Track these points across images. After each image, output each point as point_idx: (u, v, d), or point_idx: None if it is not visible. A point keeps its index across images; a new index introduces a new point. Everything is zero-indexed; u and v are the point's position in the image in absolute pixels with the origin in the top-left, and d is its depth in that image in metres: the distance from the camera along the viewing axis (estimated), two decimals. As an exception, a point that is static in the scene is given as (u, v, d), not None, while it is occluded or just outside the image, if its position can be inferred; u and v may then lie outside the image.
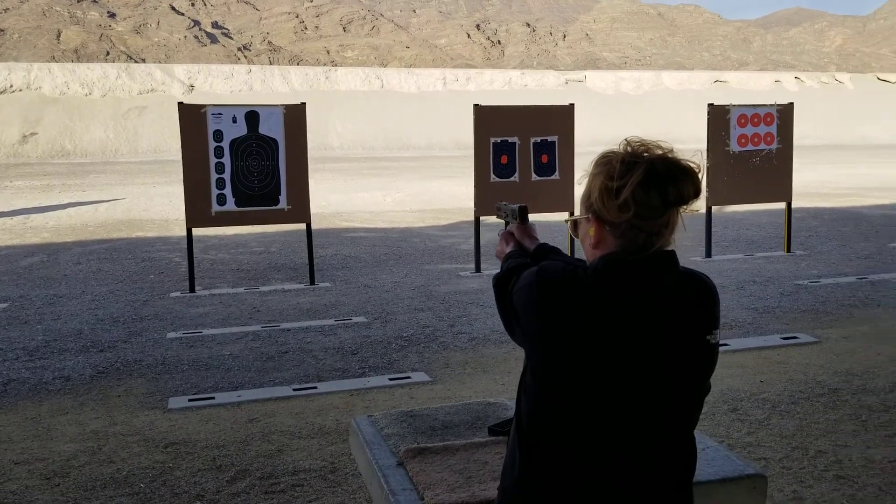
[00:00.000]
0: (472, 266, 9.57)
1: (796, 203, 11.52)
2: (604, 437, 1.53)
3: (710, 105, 10.41)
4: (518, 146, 9.26)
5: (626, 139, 1.59)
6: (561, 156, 9.47)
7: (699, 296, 1.57)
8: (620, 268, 1.52)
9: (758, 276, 9.08)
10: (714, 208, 10.73)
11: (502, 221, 2.14)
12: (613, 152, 1.57)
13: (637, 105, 53.67)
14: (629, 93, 56.40)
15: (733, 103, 10.84)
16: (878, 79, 63.15)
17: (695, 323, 1.55)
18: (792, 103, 10.73)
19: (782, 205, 10.71)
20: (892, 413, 4.79)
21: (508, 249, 2.00)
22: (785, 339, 6.49)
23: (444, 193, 18.27)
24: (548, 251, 1.95)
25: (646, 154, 1.53)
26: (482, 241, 9.71)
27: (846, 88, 59.14)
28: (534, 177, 9.44)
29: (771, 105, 10.61)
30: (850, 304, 7.61)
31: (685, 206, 1.54)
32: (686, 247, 11.04)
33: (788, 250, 10.64)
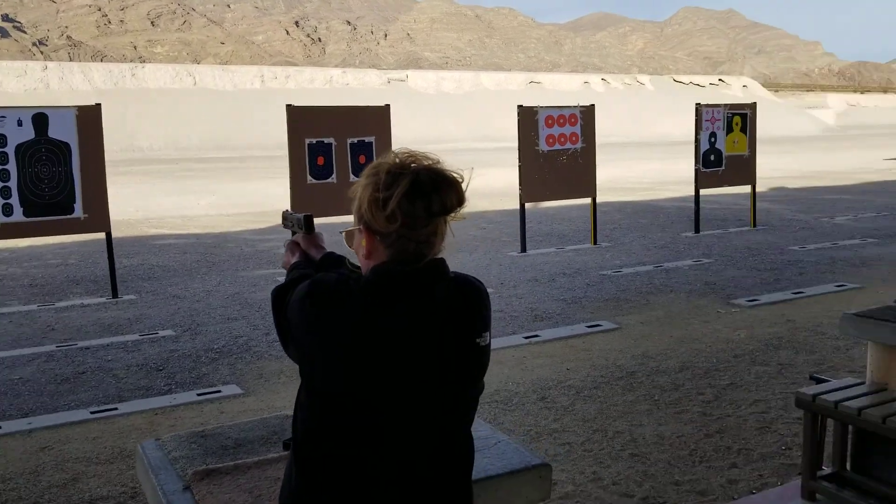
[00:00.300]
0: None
1: (601, 198, 12.25)
2: (381, 446, 1.53)
3: (520, 107, 10.85)
4: (335, 147, 9.16)
5: (393, 151, 1.61)
6: (379, 156, 9.46)
7: (468, 301, 1.61)
8: (391, 278, 1.53)
9: (567, 268, 9.57)
10: (527, 205, 11.19)
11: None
12: (381, 163, 1.58)
13: (457, 105, 55.11)
14: (450, 92, 57.81)
15: (541, 105, 11.36)
16: (674, 80, 68.89)
17: (465, 327, 1.58)
18: (593, 105, 11.41)
19: (588, 200, 11.37)
20: (681, 391, 5.19)
21: (294, 260, 1.96)
22: (590, 327, 6.88)
23: (263, 195, 17.79)
24: (334, 261, 1.93)
25: (413, 165, 1.55)
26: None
27: (647, 89, 64.02)
28: (352, 177, 9.37)
29: (575, 107, 11.22)
30: (648, 291, 8.19)
31: (451, 215, 1.57)
32: (503, 242, 11.45)
33: (595, 243, 11.31)
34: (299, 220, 2.03)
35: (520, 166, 10.72)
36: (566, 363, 5.88)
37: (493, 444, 2.34)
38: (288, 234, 2.11)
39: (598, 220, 11.55)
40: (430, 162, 1.57)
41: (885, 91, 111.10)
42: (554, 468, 4.06)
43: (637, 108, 56.82)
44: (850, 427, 3.59)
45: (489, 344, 1.66)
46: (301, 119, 9.09)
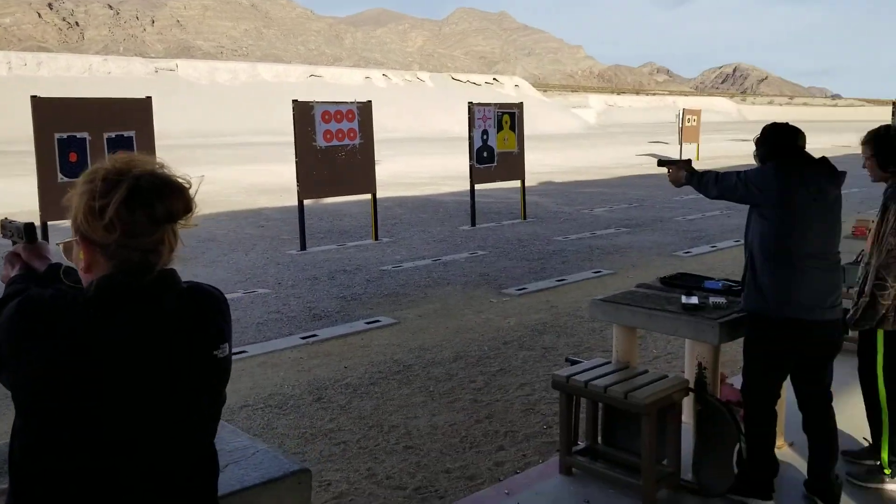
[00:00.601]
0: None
1: (384, 193, 12.43)
2: (105, 458, 1.42)
3: (295, 101, 10.66)
4: (89, 142, 8.45)
5: (112, 156, 1.48)
6: (140, 152, 8.84)
7: (202, 311, 1.52)
8: (113, 288, 1.42)
9: (348, 264, 9.58)
10: (309, 202, 11.05)
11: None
12: (98, 169, 1.46)
13: (233, 96, 53.13)
14: (225, 83, 55.58)
15: (325, 99, 11.24)
16: (453, 78, 71.34)
17: (199, 339, 1.50)
18: (370, 101, 11.49)
19: (368, 196, 11.45)
20: (455, 381, 5.38)
21: (13, 273, 1.77)
22: (368, 323, 6.92)
23: (12, 194, 16.05)
24: (62, 271, 1.75)
25: (133, 170, 1.44)
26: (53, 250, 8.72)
27: (427, 86, 65.72)
28: (112, 175, 8.71)
29: (351, 102, 11.23)
30: (426, 285, 8.41)
31: (180, 223, 1.48)
32: (283, 240, 11.22)
33: (376, 238, 11.42)
34: (19, 229, 1.84)
35: (297, 162, 10.55)
36: (344, 361, 5.88)
37: (252, 454, 2.26)
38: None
39: (379, 215, 11.68)
40: (153, 167, 1.46)
41: (637, 93, 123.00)
42: (329, 468, 4.05)
43: (417, 104, 58.18)
44: (600, 404, 3.92)
45: (229, 355, 1.59)
46: (49, 111, 8.30)
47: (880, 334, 3.64)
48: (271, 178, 19.67)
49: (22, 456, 1.44)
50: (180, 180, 1.47)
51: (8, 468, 1.49)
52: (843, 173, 3.32)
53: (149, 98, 8.99)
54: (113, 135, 8.60)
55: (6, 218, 1.96)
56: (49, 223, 8.50)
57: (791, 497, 3.58)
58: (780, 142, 3.33)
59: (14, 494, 1.45)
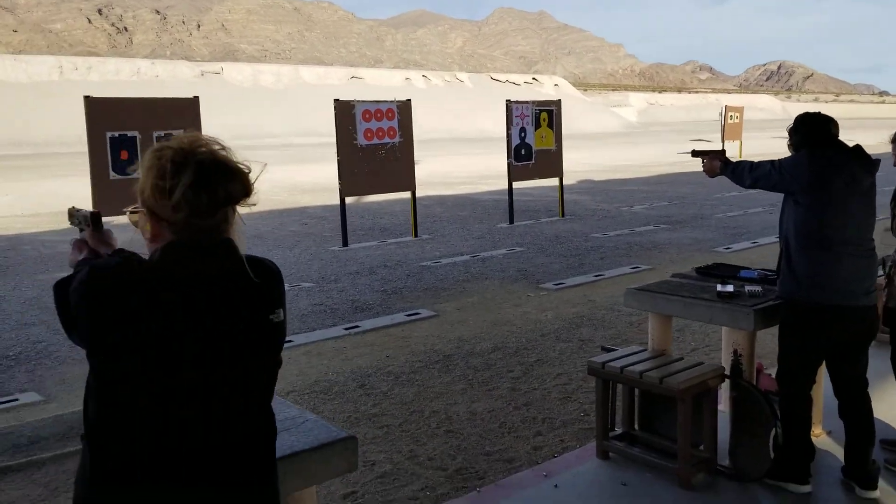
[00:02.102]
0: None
1: (423, 192, 12.56)
2: (181, 423, 1.53)
3: (337, 101, 10.86)
4: (139, 140, 8.74)
5: (181, 136, 1.59)
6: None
7: (261, 277, 1.63)
8: (176, 256, 1.53)
9: (389, 260, 9.73)
10: (350, 200, 11.25)
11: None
12: (165, 148, 1.56)
13: (276, 98, 53.86)
14: (268, 86, 56.37)
15: (358, 99, 11.42)
16: (492, 78, 71.36)
17: (258, 304, 1.61)
18: (409, 100, 11.64)
19: (408, 194, 11.60)
20: (493, 370, 5.49)
21: (80, 258, 1.90)
22: (409, 315, 7.06)
23: (64, 194, 16.55)
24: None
25: (199, 150, 1.55)
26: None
27: (466, 86, 65.83)
28: (162, 172, 8.98)
29: (391, 101, 11.39)
30: (464, 280, 8.53)
31: (238, 205, 1.59)
32: (324, 237, 11.43)
33: (416, 235, 11.57)
34: (86, 217, 1.96)
35: (339, 160, 10.75)
36: (386, 351, 6.02)
37: (301, 422, 2.40)
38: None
39: (419, 213, 11.82)
40: (217, 147, 1.58)
41: (679, 91, 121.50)
42: (373, 449, 4.20)
43: (457, 104, 58.33)
44: (636, 390, 3.99)
45: (284, 321, 1.70)
46: (101, 111, 8.61)
47: None
48: (314, 178, 19.98)
49: (98, 423, 1.54)
50: (241, 165, 1.59)
51: (84, 428, 1.60)
52: (878, 161, 3.35)
53: (196, 97, 9.25)
54: (162, 133, 8.87)
55: (73, 207, 2.09)
56: (103, 218, 8.83)
57: (828, 482, 3.61)
58: (813, 130, 3.37)
59: (94, 460, 1.54)
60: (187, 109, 9.11)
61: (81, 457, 1.61)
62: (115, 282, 1.49)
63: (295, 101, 54.01)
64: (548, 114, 13.06)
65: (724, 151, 3.81)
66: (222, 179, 1.53)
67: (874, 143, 31.94)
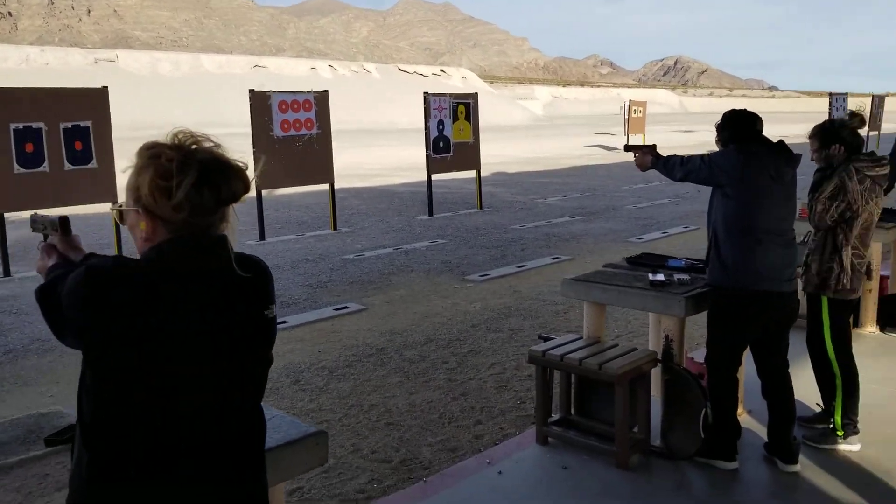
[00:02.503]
0: (0, 270, 8.42)
1: (338, 184, 12.42)
2: (179, 421, 1.52)
3: (252, 91, 10.64)
4: (45, 132, 8.34)
5: (174, 133, 1.57)
6: (97, 142, 8.79)
7: (254, 274, 1.64)
8: (174, 254, 1.52)
9: (310, 254, 9.64)
10: (264, 192, 11.05)
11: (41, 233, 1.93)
12: (161, 146, 1.54)
13: (177, 88, 52.13)
14: (167, 75, 54.46)
15: (273, 89, 11.22)
16: (400, 69, 71.16)
17: (253, 300, 1.62)
18: (327, 91, 11.52)
19: (326, 186, 11.50)
20: (427, 362, 5.55)
21: (51, 263, 1.84)
22: (337, 309, 7.03)
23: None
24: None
25: (196, 150, 1.54)
26: (9, 242, 8.60)
27: (374, 77, 65.39)
28: (67, 166, 8.61)
29: (308, 92, 11.25)
30: (389, 272, 8.55)
31: (238, 202, 1.60)
32: (240, 231, 11.18)
33: (335, 228, 11.48)
34: (53, 223, 1.90)
35: (254, 152, 10.54)
36: (317, 345, 5.99)
37: (269, 418, 2.39)
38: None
39: (336, 205, 11.73)
40: (212, 145, 1.57)
41: (582, 85, 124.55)
42: (315, 445, 4.18)
43: (365, 95, 57.89)
44: (573, 376, 4.13)
45: (276, 317, 1.71)
46: (4, 101, 8.16)
47: (825, 301, 3.95)
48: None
49: (94, 414, 1.52)
50: (240, 163, 1.59)
51: (78, 427, 1.56)
52: (799, 156, 3.59)
53: (105, 88, 8.89)
54: (69, 125, 8.50)
55: (36, 213, 2.02)
56: (6, 214, 8.39)
57: (752, 458, 3.85)
58: (740, 126, 3.58)
59: (92, 460, 1.52)
60: (96, 100, 8.75)
61: (76, 456, 1.58)
62: (115, 279, 1.47)
63: (196, 91, 52.40)
64: (465, 106, 13.19)
65: (655, 146, 3.97)
66: (225, 178, 1.53)
67: (769, 136, 33.63)
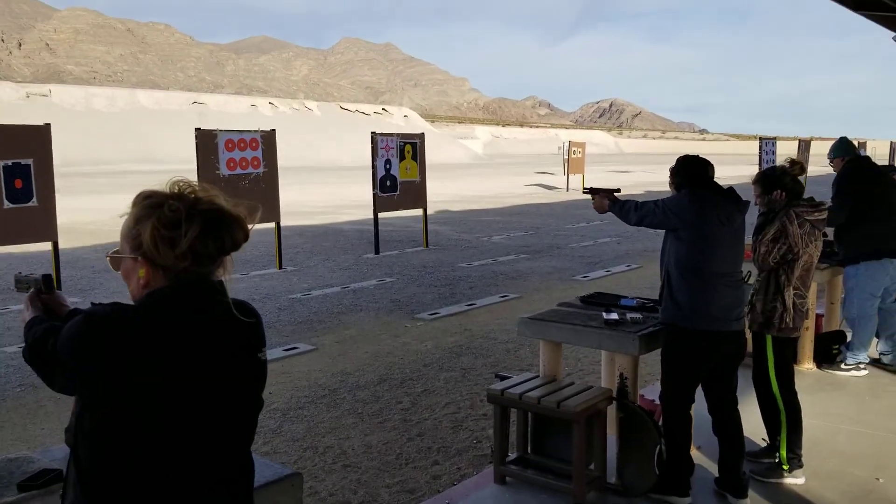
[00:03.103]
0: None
1: (283, 222, 12.36)
2: (182, 464, 1.53)
3: (198, 129, 10.56)
4: (-16, 169, 8.11)
5: (172, 182, 1.59)
6: (38, 180, 8.58)
7: (248, 317, 1.66)
8: (175, 299, 1.53)
9: (255, 293, 9.53)
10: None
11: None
12: (161, 195, 1.56)
13: (112, 123, 51.16)
14: (102, 110, 53.43)
15: (216, 127, 11.15)
16: (341, 107, 71.35)
17: (246, 341, 1.64)
18: (274, 130, 11.52)
19: (272, 225, 11.42)
20: (382, 402, 5.54)
21: (31, 315, 1.83)
22: (287, 350, 6.97)
23: None
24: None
25: (198, 200, 1.56)
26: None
27: (315, 115, 65.39)
28: (6, 204, 8.38)
29: (255, 131, 11.22)
30: (339, 312, 8.51)
31: (237, 251, 1.63)
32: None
33: (280, 267, 11.39)
34: (37, 281, 1.90)
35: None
36: (268, 387, 5.87)
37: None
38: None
39: (282, 243, 11.65)
40: (210, 195, 1.59)
41: (521, 125, 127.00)
42: (272, 489, 4.13)
43: (306, 133, 57.78)
44: (530, 414, 4.19)
45: (266, 359, 1.73)
46: (-59, 137, 7.92)
47: (769, 339, 4.12)
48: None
49: (96, 463, 1.52)
50: (241, 213, 1.62)
51: (76, 474, 1.54)
52: (748, 202, 3.77)
53: (48, 125, 8.72)
54: (10, 162, 8.29)
55: (19, 273, 2.01)
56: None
57: (704, 493, 3.95)
58: (693, 172, 3.75)
59: (87, 498, 1.51)
60: (38, 137, 8.57)
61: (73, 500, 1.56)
62: (116, 326, 1.48)
63: (132, 127, 51.51)
64: (412, 146, 13.33)
65: (614, 191, 4.11)
66: (227, 229, 1.56)
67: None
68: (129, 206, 1.59)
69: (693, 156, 3.84)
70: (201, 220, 1.53)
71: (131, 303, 1.60)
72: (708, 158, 3.84)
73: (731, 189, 3.75)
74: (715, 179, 3.79)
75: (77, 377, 1.51)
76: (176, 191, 1.57)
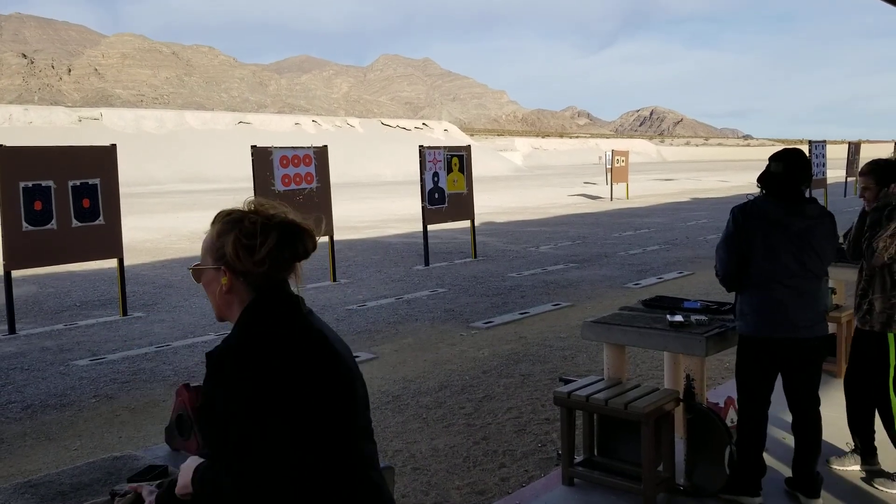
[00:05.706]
0: (6, 327, 8.44)
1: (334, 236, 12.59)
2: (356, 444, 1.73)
3: (254, 147, 10.85)
4: (54, 190, 8.47)
5: (249, 201, 1.77)
6: (105, 199, 8.92)
7: (334, 330, 1.84)
8: (286, 308, 1.71)
9: (313, 305, 9.54)
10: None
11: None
12: (240, 212, 1.74)
13: (161, 144, 52.44)
14: (152, 132, 54.82)
15: (270, 145, 11.44)
16: (382, 123, 72.08)
17: (347, 354, 1.79)
18: (326, 146, 11.77)
19: (325, 238, 11.64)
20: (445, 408, 5.64)
21: (183, 480, 1.78)
22: (347, 359, 7.11)
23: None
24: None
25: (273, 214, 1.73)
26: (14, 297, 8.63)
27: (357, 131, 66.16)
28: (74, 223, 8.72)
29: (308, 147, 11.48)
30: (395, 321, 8.66)
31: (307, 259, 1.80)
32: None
33: (334, 279, 11.60)
34: (161, 484, 1.89)
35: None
36: (333, 394, 6.05)
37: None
38: None
39: (335, 257, 11.87)
40: (282, 210, 1.77)
41: (560, 136, 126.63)
42: (347, 491, 4.25)
43: (348, 149, 58.48)
44: (596, 416, 4.25)
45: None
46: (14, 160, 8.29)
47: (891, 339, 3.94)
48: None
49: (237, 480, 1.61)
50: (311, 225, 1.79)
51: (117, 492, 1.68)
52: (804, 206, 3.71)
53: (114, 146, 9.06)
54: (78, 182, 8.64)
55: (113, 489, 2.02)
56: (13, 272, 8.44)
57: (774, 493, 3.96)
58: (769, 181, 3.73)
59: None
60: (105, 158, 8.91)
61: None
62: (267, 359, 1.62)
63: (181, 147, 52.76)
64: (458, 158, 13.48)
65: None
66: (300, 238, 1.74)
67: (745, 184, 34.25)
68: (210, 224, 1.76)
69: (790, 164, 3.73)
70: (278, 231, 1.70)
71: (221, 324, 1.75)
72: (753, 163, 3.80)
73: (798, 196, 3.70)
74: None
75: (240, 400, 1.60)
76: (253, 208, 1.75)
